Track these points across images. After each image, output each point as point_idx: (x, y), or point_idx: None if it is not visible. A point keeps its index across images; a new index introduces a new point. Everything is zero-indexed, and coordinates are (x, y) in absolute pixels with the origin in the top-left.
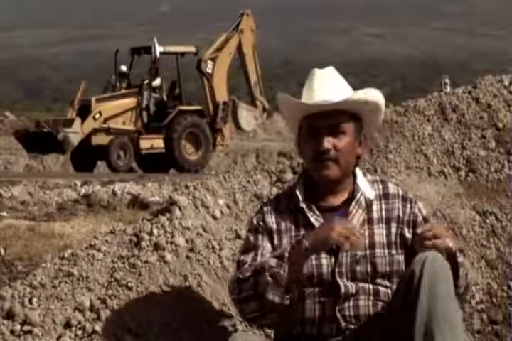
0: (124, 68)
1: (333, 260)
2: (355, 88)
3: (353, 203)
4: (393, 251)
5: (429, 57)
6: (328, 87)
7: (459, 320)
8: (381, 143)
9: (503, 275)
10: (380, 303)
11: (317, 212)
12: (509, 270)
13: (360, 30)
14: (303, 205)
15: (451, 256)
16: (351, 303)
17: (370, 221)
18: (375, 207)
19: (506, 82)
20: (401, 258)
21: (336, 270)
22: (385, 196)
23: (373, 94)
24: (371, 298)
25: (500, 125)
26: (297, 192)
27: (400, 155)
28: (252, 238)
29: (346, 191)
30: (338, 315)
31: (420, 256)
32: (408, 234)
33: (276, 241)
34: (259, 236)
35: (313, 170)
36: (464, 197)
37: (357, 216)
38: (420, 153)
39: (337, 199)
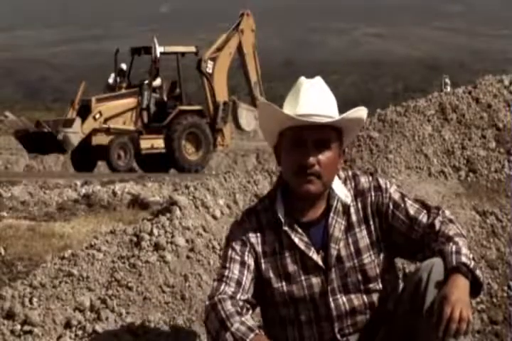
0: (124, 66)
1: (323, 277)
2: (357, 88)
3: (331, 214)
4: (377, 249)
5: (429, 57)
6: (314, 100)
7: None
8: (381, 143)
9: (503, 276)
10: (378, 312)
11: (300, 230)
12: (509, 270)
13: (360, 30)
14: (285, 228)
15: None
16: (349, 322)
17: (351, 227)
18: (352, 210)
19: (506, 82)
20: (385, 253)
21: (328, 288)
22: (358, 194)
23: (362, 112)
24: (367, 311)
25: (501, 125)
26: (278, 212)
27: (400, 155)
28: (239, 251)
29: (324, 200)
30: (338, 336)
31: (427, 263)
32: (384, 224)
33: (263, 266)
34: (246, 252)
35: (294, 183)
36: (464, 197)
37: (337, 226)
38: (420, 153)
39: (316, 211)
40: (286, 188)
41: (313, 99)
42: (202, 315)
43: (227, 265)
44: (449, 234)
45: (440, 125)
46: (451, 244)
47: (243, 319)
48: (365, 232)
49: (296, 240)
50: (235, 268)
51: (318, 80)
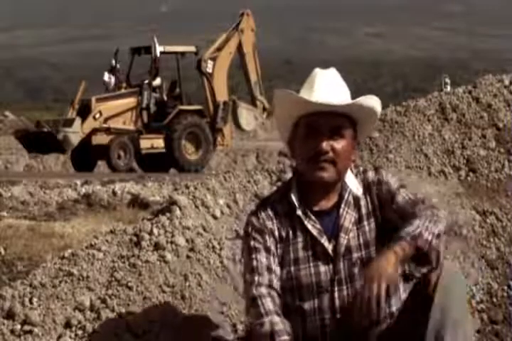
0: (114, 63)
1: (331, 266)
2: (357, 88)
3: (342, 205)
4: (382, 243)
5: (429, 56)
6: (329, 87)
7: (470, 328)
8: (381, 143)
9: (503, 275)
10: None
11: (313, 217)
12: (509, 270)
13: (360, 30)
14: (299, 213)
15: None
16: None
17: (360, 219)
18: (362, 203)
19: (506, 82)
20: None
21: (336, 277)
22: (366, 188)
23: (376, 102)
24: None
25: (501, 125)
26: (293, 199)
27: (400, 155)
28: (260, 238)
29: (337, 191)
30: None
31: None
32: (382, 214)
33: (278, 251)
34: (267, 238)
35: (308, 171)
36: (464, 196)
37: (348, 217)
38: (420, 152)
39: (329, 202)
40: (301, 180)
41: (328, 88)
42: (208, 314)
43: (253, 255)
44: (420, 218)
45: (440, 125)
46: (410, 227)
47: (278, 319)
48: (373, 225)
49: (310, 226)
50: (262, 256)
51: (333, 71)
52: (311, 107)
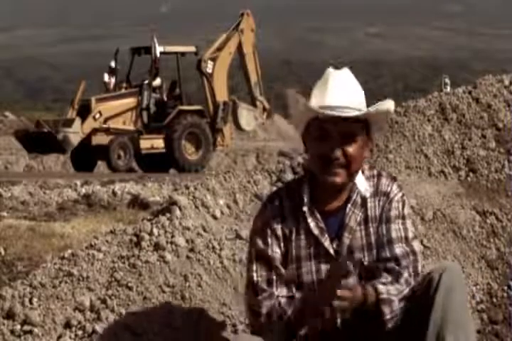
0: (113, 64)
1: None
2: None
3: (349, 205)
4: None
5: (429, 57)
6: (342, 90)
7: (471, 329)
8: (381, 143)
9: (503, 276)
10: None
11: (318, 216)
12: (509, 270)
13: (360, 30)
14: (305, 209)
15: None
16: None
17: (366, 220)
18: (369, 205)
19: (506, 82)
20: None
21: None
22: (378, 193)
23: (388, 104)
24: None
25: (501, 125)
26: (304, 195)
27: (400, 155)
28: (261, 244)
29: (346, 192)
30: (341, 327)
31: (440, 266)
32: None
33: (282, 249)
34: (269, 241)
35: (320, 174)
36: (464, 197)
37: (354, 217)
38: (420, 153)
39: (338, 201)
40: (313, 178)
41: (340, 91)
42: (208, 314)
43: (254, 267)
44: (398, 280)
45: (440, 125)
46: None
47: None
48: (376, 230)
49: (312, 225)
50: (262, 269)
51: (346, 71)
52: (320, 114)
